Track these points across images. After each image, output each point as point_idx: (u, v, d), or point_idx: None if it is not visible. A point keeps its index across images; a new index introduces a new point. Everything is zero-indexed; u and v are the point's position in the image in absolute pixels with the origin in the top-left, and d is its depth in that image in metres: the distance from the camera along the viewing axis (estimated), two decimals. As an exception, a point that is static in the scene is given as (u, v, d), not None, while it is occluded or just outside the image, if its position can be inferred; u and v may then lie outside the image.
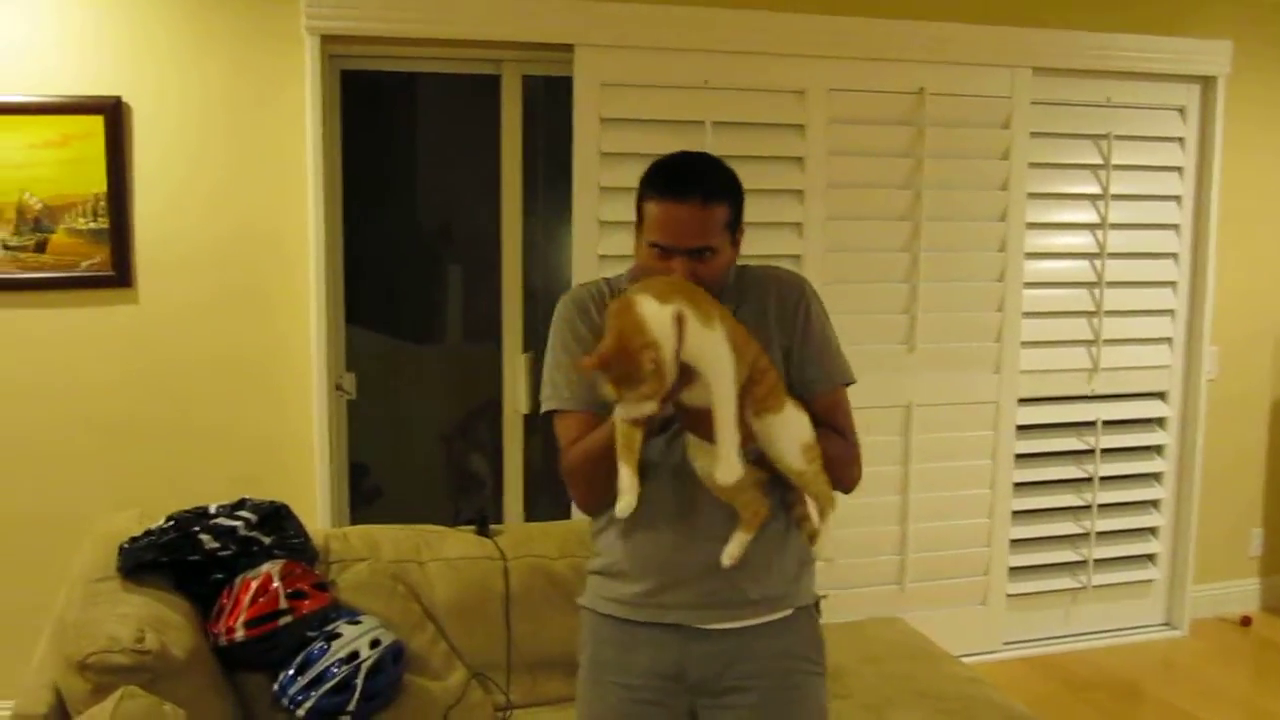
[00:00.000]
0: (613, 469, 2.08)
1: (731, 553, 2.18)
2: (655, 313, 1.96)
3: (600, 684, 2.31)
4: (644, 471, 2.10)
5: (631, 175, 4.09)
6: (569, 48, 4.10)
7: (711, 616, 2.26)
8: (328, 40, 3.92)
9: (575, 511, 4.09)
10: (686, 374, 1.99)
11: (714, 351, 2.04)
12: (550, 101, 4.35)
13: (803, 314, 2.33)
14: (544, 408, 2.32)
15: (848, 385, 2.36)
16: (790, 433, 2.15)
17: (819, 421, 2.21)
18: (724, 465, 2.03)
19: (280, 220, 3.96)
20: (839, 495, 2.24)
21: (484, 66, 4.22)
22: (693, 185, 2.17)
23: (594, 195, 4.15)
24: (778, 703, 2.28)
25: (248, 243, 3.95)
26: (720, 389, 2.03)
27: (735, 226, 2.24)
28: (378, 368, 4.40)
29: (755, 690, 2.26)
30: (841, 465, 2.27)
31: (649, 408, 1.96)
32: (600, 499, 2.23)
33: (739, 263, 2.32)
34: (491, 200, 4.28)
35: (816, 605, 2.40)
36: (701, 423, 2.06)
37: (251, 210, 3.94)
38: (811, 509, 2.30)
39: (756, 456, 2.16)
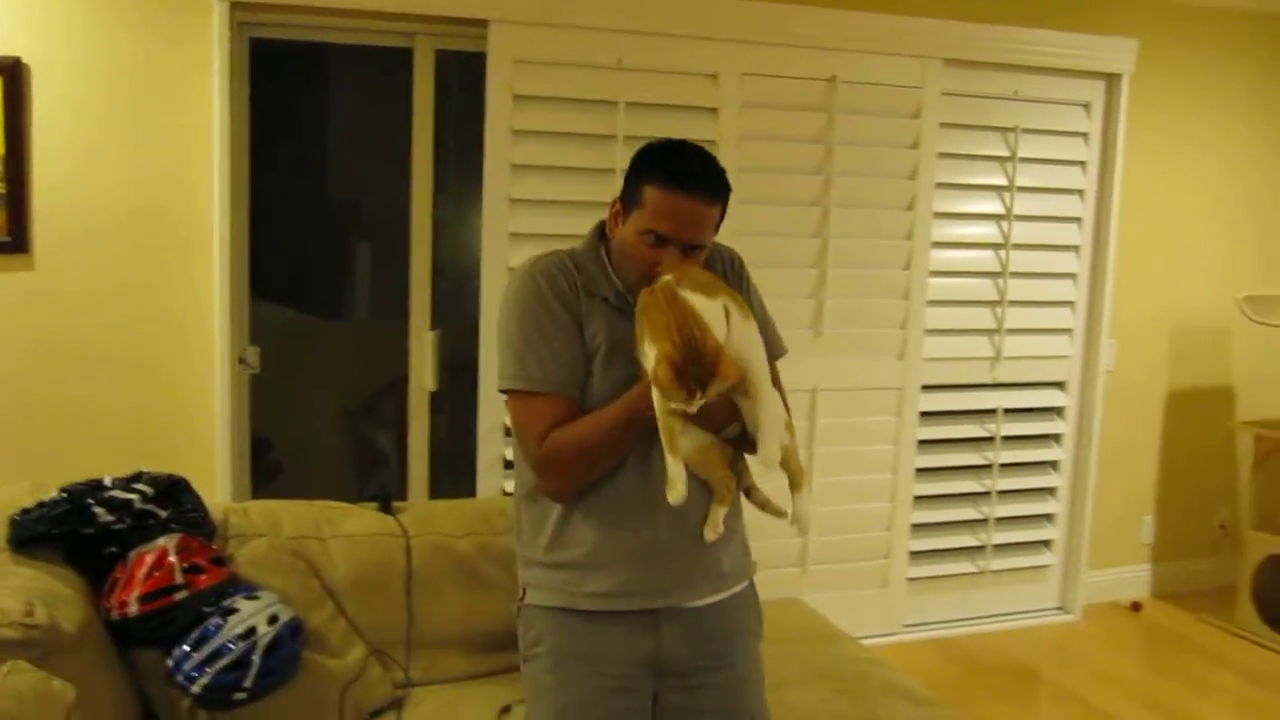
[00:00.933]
0: (614, 457, 2.13)
1: (714, 525, 2.23)
2: (708, 308, 1.94)
3: (569, 673, 2.30)
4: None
5: (542, 153, 4.14)
6: (483, 23, 4.06)
7: (691, 594, 2.30)
8: (236, 7, 3.84)
9: (480, 489, 4.10)
10: None
11: (755, 344, 2.06)
12: (463, 77, 4.31)
13: (745, 291, 2.37)
14: (509, 386, 2.26)
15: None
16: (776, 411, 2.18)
17: None
18: (766, 454, 2.04)
19: (185, 189, 3.87)
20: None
21: (396, 39, 4.17)
22: (705, 182, 2.18)
23: (505, 172, 4.12)
24: (738, 678, 2.37)
25: (151, 211, 3.86)
26: (761, 383, 2.05)
27: (718, 226, 2.27)
28: (283, 342, 4.34)
29: (720, 668, 2.34)
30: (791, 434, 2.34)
31: (703, 401, 1.95)
32: (583, 486, 2.24)
33: None
34: (402, 176, 4.23)
35: None
36: (703, 414, 2.06)
37: (155, 178, 3.86)
38: (759, 481, 2.36)
39: (739, 435, 2.20)
